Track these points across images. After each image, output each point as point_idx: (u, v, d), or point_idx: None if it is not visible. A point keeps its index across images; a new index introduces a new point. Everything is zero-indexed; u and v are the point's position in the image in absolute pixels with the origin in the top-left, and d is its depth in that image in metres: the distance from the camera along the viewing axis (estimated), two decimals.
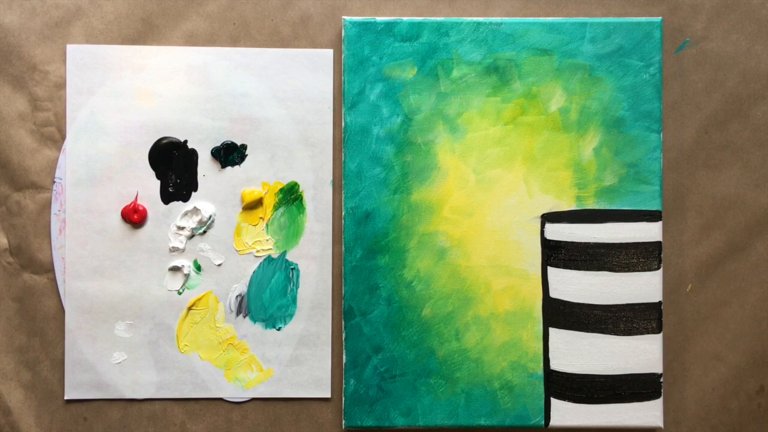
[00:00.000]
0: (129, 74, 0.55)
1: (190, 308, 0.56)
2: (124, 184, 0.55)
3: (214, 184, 0.56)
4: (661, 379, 0.55)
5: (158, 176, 0.56)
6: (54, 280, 0.56)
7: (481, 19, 0.55)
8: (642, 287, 0.55)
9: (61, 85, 0.55)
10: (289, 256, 0.56)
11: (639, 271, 0.55)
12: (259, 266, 0.56)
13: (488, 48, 0.55)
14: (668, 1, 0.57)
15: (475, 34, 0.55)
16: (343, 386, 0.55)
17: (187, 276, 0.56)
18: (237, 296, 0.56)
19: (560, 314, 0.55)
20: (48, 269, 0.56)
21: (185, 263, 0.56)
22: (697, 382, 0.57)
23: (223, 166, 0.56)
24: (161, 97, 0.55)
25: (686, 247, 0.57)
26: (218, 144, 0.56)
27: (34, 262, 0.56)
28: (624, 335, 0.55)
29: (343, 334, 0.55)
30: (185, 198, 0.56)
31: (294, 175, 0.56)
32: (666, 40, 0.57)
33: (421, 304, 0.55)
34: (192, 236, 0.56)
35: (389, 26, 0.55)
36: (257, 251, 0.56)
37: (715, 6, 0.57)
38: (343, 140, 0.55)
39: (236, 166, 0.56)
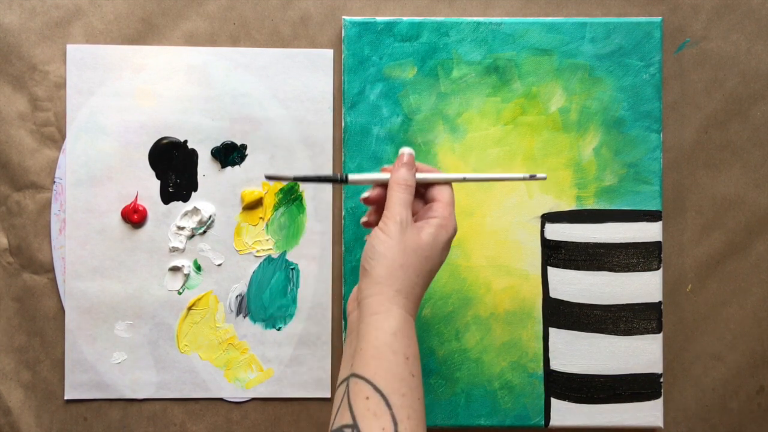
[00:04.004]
0: (129, 74, 0.55)
1: (190, 308, 0.56)
2: (124, 184, 0.55)
3: (214, 184, 0.56)
4: (661, 379, 0.55)
5: (158, 176, 0.56)
6: (54, 280, 0.56)
7: (481, 19, 0.55)
8: (642, 287, 0.55)
9: (61, 85, 0.55)
10: (289, 256, 0.56)
11: (639, 271, 0.55)
12: (259, 266, 0.56)
13: (488, 48, 0.55)
14: (668, 1, 0.57)
15: (475, 34, 0.55)
16: None
17: (187, 276, 0.56)
18: (237, 296, 0.56)
19: (560, 314, 0.55)
20: (48, 269, 0.56)
21: (185, 263, 0.55)
22: (697, 382, 0.57)
23: (223, 166, 0.56)
24: (161, 97, 0.55)
25: (686, 247, 0.57)
26: (218, 144, 0.56)
27: (34, 262, 0.56)
28: (624, 335, 0.55)
29: (343, 334, 0.55)
30: (185, 198, 0.56)
31: None
32: (666, 40, 0.57)
33: (421, 304, 0.55)
34: (192, 236, 0.56)
35: (389, 26, 0.55)
36: (257, 251, 0.56)
37: (715, 6, 0.57)
38: (343, 140, 0.55)
39: (236, 166, 0.56)
